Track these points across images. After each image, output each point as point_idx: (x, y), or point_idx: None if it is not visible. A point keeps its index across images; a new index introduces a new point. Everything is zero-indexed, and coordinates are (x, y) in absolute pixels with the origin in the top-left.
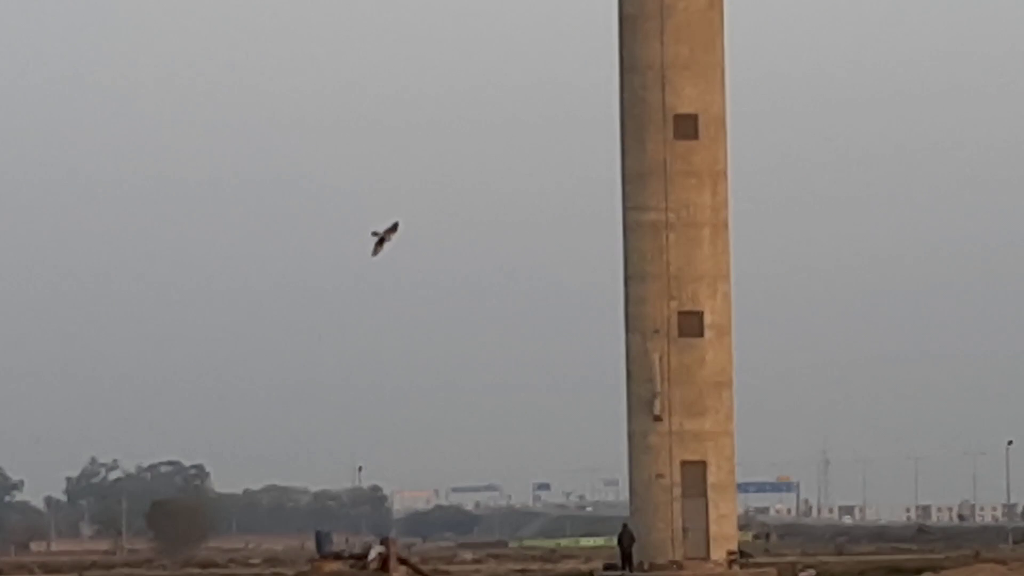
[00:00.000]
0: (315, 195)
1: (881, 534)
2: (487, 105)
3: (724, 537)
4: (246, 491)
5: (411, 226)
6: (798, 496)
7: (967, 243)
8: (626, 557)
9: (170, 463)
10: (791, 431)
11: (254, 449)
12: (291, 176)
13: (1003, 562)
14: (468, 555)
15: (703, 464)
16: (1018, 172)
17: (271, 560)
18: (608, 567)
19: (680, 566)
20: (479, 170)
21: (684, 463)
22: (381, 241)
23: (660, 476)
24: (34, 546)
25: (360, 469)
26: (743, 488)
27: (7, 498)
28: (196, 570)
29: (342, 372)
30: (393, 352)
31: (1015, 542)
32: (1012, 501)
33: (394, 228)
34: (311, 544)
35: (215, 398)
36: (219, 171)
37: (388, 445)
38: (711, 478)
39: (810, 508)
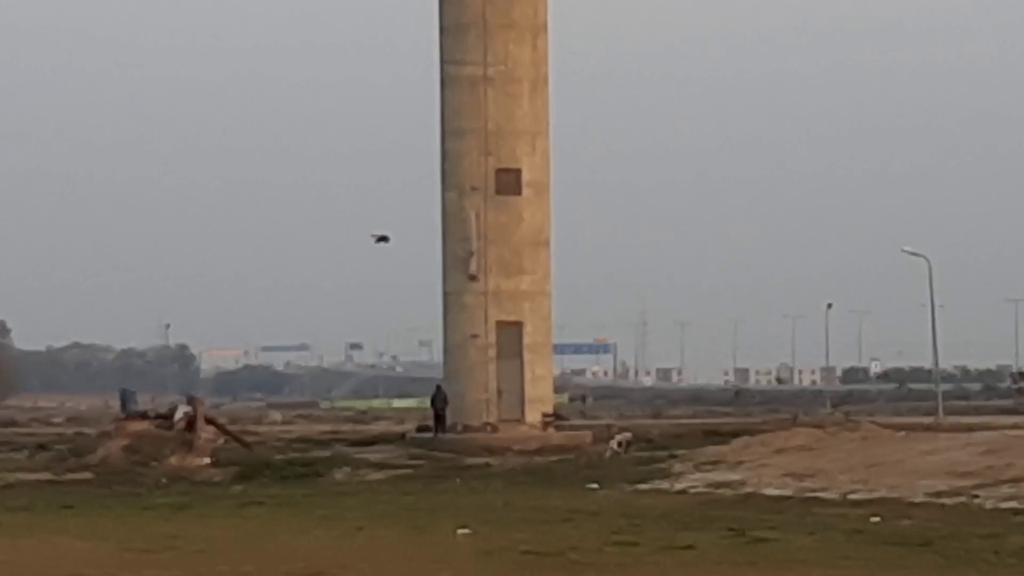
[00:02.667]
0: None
1: (698, 397)
2: None
3: (539, 399)
4: (49, 348)
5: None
6: (615, 358)
7: (784, 104)
8: (439, 419)
9: None
10: (609, 292)
11: (58, 305)
12: None
13: (820, 426)
14: (277, 416)
15: (519, 325)
16: None
17: (74, 419)
18: (421, 429)
19: (494, 428)
20: (293, 26)
21: (500, 324)
22: (380, 239)
23: (475, 336)
24: None
25: (168, 327)
26: (559, 350)
27: None
28: None
29: (149, 227)
30: (201, 208)
31: (833, 406)
32: (830, 364)
33: (386, 239)
34: (116, 403)
35: (16, 252)
36: None
37: (196, 302)
38: (527, 339)
39: (627, 370)
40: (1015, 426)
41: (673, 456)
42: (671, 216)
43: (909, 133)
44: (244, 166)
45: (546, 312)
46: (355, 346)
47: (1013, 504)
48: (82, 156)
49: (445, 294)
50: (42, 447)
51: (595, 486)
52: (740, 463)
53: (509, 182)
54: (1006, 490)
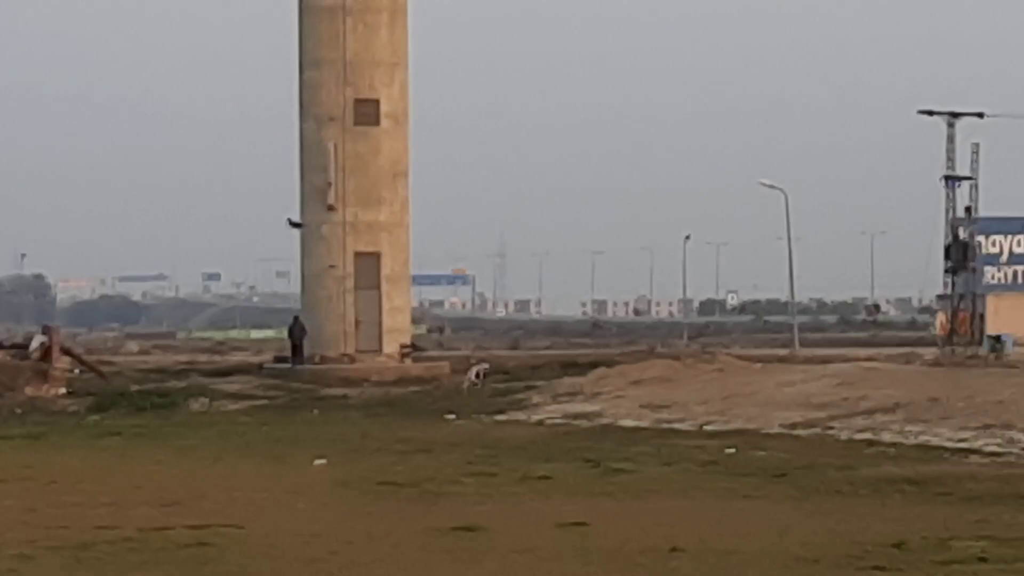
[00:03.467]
0: None
1: (556, 329)
2: None
3: (397, 330)
4: None
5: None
6: (473, 289)
7: (643, 39)
8: (297, 350)
9: None
10: (467, 224)
11: None
12: None
13: (677, 357)
14: (134, 346)
15: (377, 255)
16: None
17: None
18: (278, 360)
19: (352, 359)
20: None
21: (358, 254)
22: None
23: (332, 267)
24: None
25: (23, 256)
26: (417, 281)
27: None
28: None
29: (3, 156)
30: (57, 137)
31: (690, 337)
32: (688, 296)
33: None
34: None
35: None
36: None
37: (52, 232)
38: (385, 270)
39: (486, 301)
40: (869, 358)
41: (530, 387)
42: (529, 148)
43: (765, 67)
44: (102, 94)
45: (404, 243)
46: (212, 276)
47: (867, 436)
48: None
49: (303, 225)
50: None
51: (452, 417)
52: (597, 394)
53: (367, 113)
54: (860, 422)
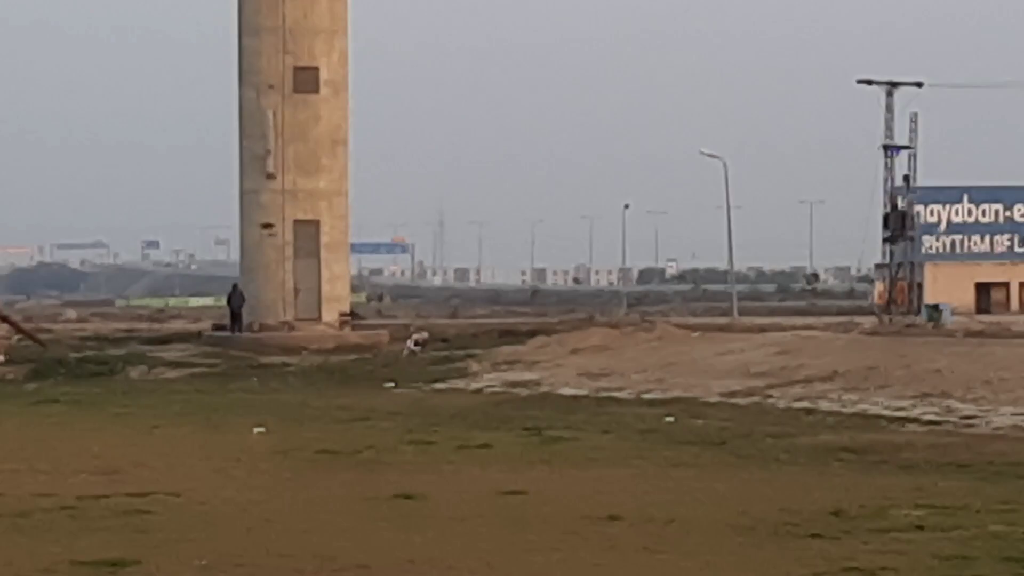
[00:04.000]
0: None
1: (496, 297)
2: None
3: (336, 298)
4: None
5: None
6: (413, 258)
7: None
8: (236, 318)
9: None
10: (407, 192)
11: None
12: None
13: (616, 326)
14: (72, 314)
15: (316, 223)
16: None
17: None
18: (217, 328)
19: (291, 327)
20: None
21: (297, 222)
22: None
23: (272, 235)
24: None
25: None
26: (357, 249)
27: None
28: None
29: None
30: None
31: (629, 306)
32: (627, 265)
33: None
34: None
35: None
36: None
37: None
38: (324, 238)
39: (425, 270)
40: (808, 327)
41: (470, 355)
42: (469, 116)
43: (705, 37)
44: (38, 66)
45: (343, 211)
46: (151, 244)
47: (805, 404)
48: None
49: (242, 193)
50: None
51: (392, 385)
52: (536, 363)
53: (307, 80)
54: (798, 390)
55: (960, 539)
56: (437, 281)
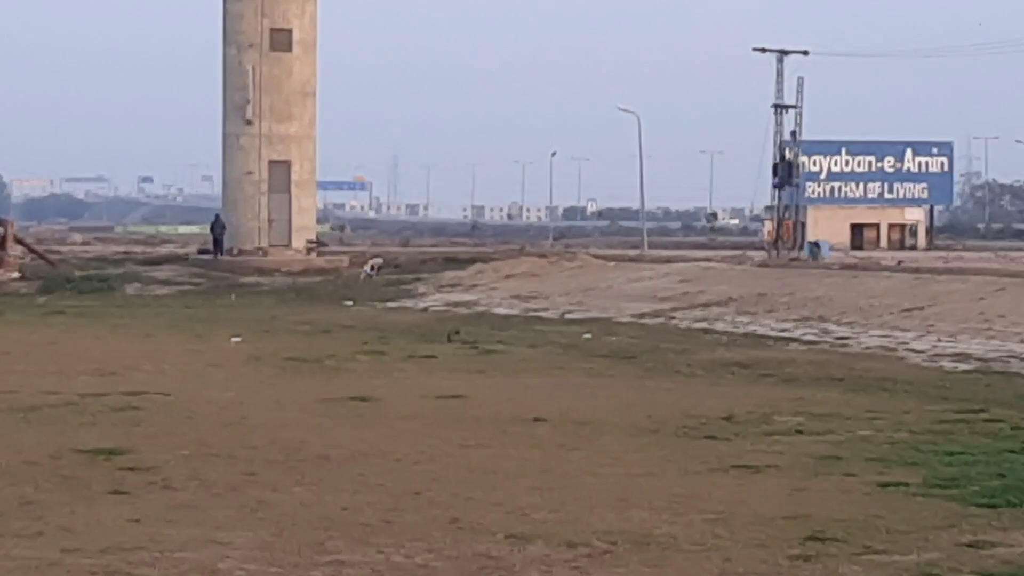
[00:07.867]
0: None
1: (441, 229)
2: None
3: (304, 228)
4: None
5: None
6: (371, 194)
7: None
8: (218, 243)
9: None
10: (366, 136)
11: None
12: None
13: (543, 255)
14: (78, 237)
15: (288, 164)
16: None
17: None
18: (202, 252)
19: (265, 252)
20: None
21: (271, 162)
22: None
23: (249, 173)
24: None
25: None
26: (323, 186)
27: None
28: None
29: None
30: (15, 47)
31: (555, 239)
32: (554, 204)
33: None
34: None
35: None
36: None
37: (9, 136)
38: (294, 176)
39: (381, 205)
40: (707, 259)
41: (418, 279)
42: (422, 72)
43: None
44: (53, 23)
45: (311, 153)
46: (146, 179)
47: (703, 325)
48: None
49: (225, 136)
50: None
51: (350, 303)
52: (475, 286)
53: (281, 40)
54: (698, 313)
55: (833, 442)
56: (395, 215)
